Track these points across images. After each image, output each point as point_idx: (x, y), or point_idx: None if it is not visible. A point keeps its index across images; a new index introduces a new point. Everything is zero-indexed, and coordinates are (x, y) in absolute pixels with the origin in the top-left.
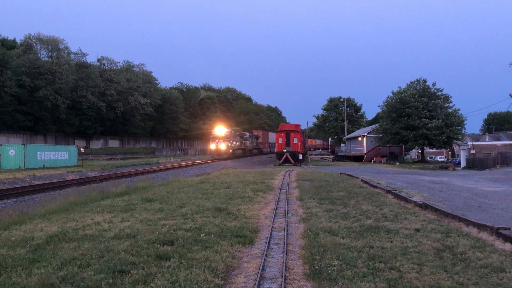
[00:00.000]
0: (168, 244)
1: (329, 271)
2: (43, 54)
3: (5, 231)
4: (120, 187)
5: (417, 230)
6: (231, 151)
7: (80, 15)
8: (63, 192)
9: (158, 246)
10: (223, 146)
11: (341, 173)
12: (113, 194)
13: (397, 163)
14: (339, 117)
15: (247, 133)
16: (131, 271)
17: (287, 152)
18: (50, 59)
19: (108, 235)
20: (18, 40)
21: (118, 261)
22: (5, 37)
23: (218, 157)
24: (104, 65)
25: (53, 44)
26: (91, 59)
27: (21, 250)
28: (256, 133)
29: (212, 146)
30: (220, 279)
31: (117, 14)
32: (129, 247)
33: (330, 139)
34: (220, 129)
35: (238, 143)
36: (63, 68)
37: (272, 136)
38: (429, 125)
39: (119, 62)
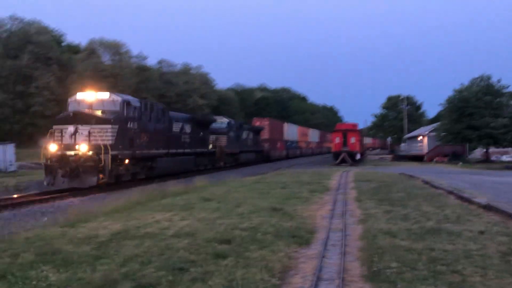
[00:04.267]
0: (225, 243)
1: (388, 273)
2: (105, 57)
3: (71, 228)
4: (178, 187)
5: (481, 232)
6: (122, 168)
7: (140, 19)
8: (127, 191)
9: (216, 244)
10: (84, 147)
11: (400, 174)
12: (172, 193)
13: (460, 163)
14: (399, 115)
15: (226, 119)
16: (190, 269)
17: (344, 152)
18: (112, 62)
19: (168, 233)
20: (82, 45)
21: (177, 258)
22: (71, 42)
23: (71, 183)
24: (163, 68)
25: (115, 48)
26: (151, 62)
27: (86, 247)
28: (258, 123)
29: (52, 147)
30: (277, 279)
31: (176, 17)
32: (188, 245)
33: (389, 138)
34: (89, 96)
35: (178, 141)
36: (124, 71)
37: (292, 129)
38: (493, 124)
39: (177, 64)
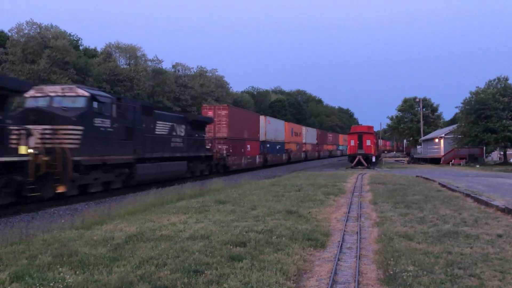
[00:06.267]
0: (240, 245)
1: (404, 277)
2: (121, 62)
3: (88, 230)
4: (194, 189)
5: (499, 235)
6: None
7: (155, 23)
8: (142, 193)
9: (231, 247)
10: None
11: (417, 176)
12: (187, 195)
13: (477, 165)
14: (414, 118)
15: (85, 92)
16: (205, 271)
17: (359, 154)
18: (128, 66)
19: (183, 236)
20: (99, 49)
21: (192, 261)
22: (87, 46)
23: None
24: (178, 71)
25: (131, 52)
26: (166, 65)
27: (102, 249)
28: (211, 113)
29: None
30: (292, 281)
31: (191, 22)
32: (203, 247)
33: (405, 141)
34: None
35: None
36: (140, 75)
37: (275, 126)
38: (511, 127)
39: (192, 67)
